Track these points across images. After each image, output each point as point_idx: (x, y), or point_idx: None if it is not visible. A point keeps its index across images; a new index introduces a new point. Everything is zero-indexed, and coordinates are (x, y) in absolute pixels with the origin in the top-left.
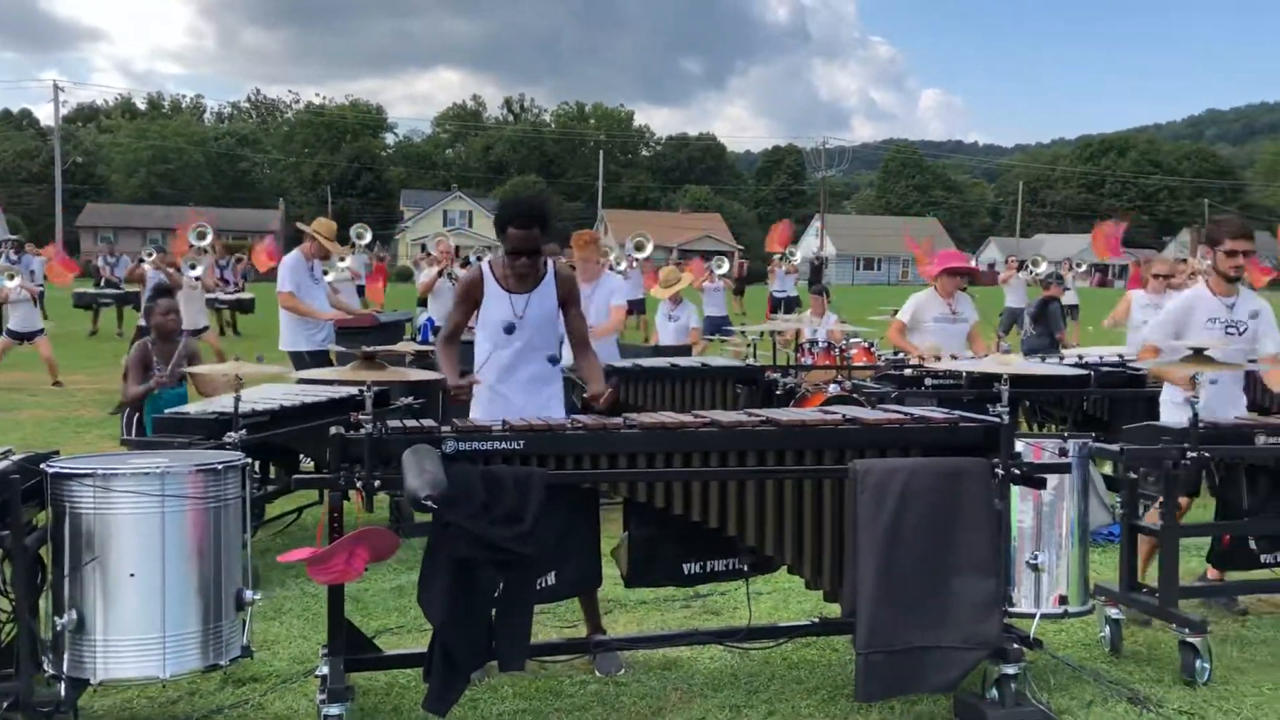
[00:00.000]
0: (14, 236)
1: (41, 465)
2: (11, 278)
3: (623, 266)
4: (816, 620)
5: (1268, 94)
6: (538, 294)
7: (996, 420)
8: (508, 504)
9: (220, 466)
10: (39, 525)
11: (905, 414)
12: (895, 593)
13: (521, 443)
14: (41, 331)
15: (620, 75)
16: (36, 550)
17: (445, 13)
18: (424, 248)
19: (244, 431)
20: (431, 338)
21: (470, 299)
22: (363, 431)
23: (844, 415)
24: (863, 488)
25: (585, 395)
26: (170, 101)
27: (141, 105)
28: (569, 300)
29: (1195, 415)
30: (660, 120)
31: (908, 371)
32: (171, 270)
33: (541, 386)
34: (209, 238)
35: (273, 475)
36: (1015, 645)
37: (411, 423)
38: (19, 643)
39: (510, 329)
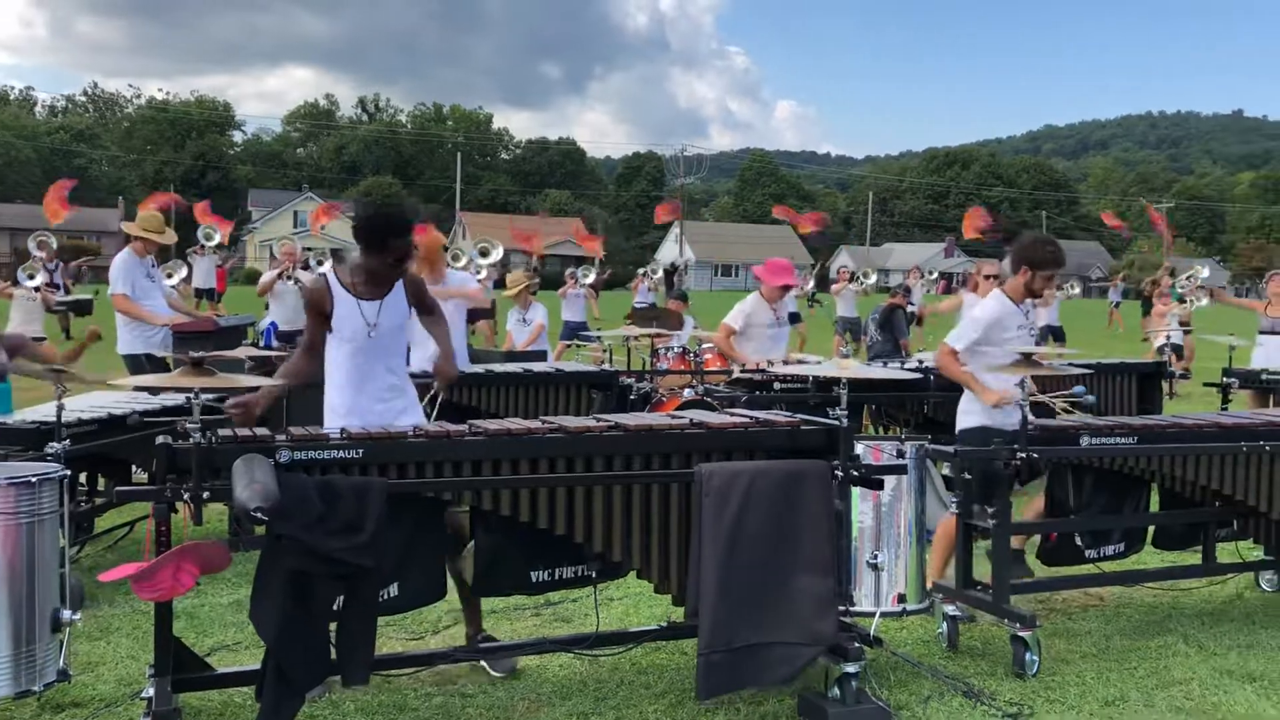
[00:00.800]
0: None
1: None
2: None
3: (482, 275)
4: (665, 624)
5: (1100, 111)
6: (390, 300)
7: (836, 423)
8: (346, 514)
9: (35, 479)
10: None
11: (750, 418)
12: (736, 593)
13: (360, 451)
14: None
15: (479, 77)
16: None
17: (297, 8)
18: (271, 251)
19: (68, 441)
20: (275, 342)
21: (319, 309)
22: (191, 441)
23: (690, 420)
24: (707, 491)
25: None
26: None
27: None
28: (420, 301)
29: (1025, 418)
30: (520, 123)
31: (758, 376)
32: None
33: (398, 395)
34: (54, 245)
35: (102, 487)
36: (855, 644)
37: (244, 431)
38: None
39: (364, 337)
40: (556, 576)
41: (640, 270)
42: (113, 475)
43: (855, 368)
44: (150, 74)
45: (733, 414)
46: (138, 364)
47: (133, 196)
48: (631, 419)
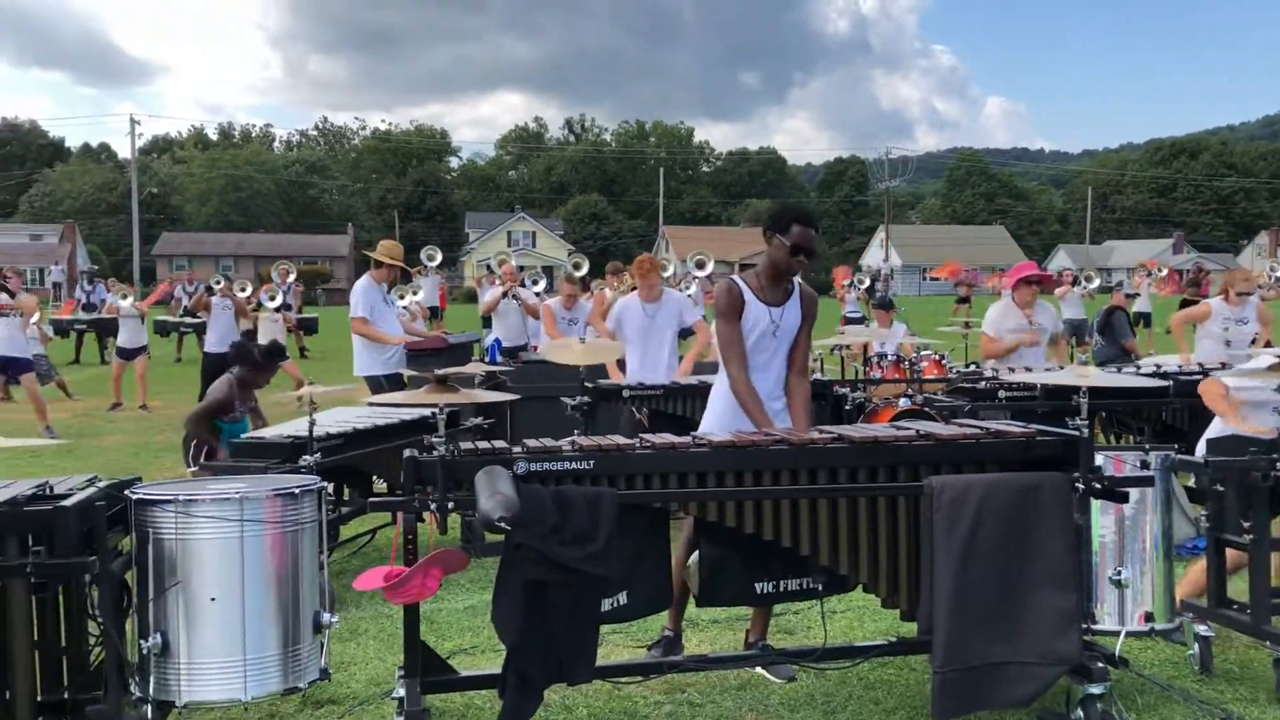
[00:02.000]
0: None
1: (125, 492)
2: (125, 297)
3: (692, 290)
4: (893, 639)
5: None
6: (790, 306)
7: (1075, 433)
8: (579, 524)
9: (297, 491)
10: (124, 551)
11: (980, 428)
12: (971, 609)
13: (591, 463)
14: (145, 350)
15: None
16: (122, 575)
17: (506, 36)
18: (488, 268)
19: (319, 455)
20: (499, 358)
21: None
22: (435, 454)
23: (918, 430)
24: (938, 504)
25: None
26: (240, 131)
27: (213, 136)
28: (809, 318)
29: None
30: (720, 135)
31: (981, 384)
32: (240, 298)
33: (779, 396)
34: (292, 276)
35: (347, 497)
36: (1099, 664)
37: (483, 444)
38: (107, 665)
39: (768, 340)
40: (781, 588)
41: (845, 283)
42: (356, 486)
43: (1096, 375)
44: (374, 106)
45: (962, 424)
46: (376, 384)
47: (360, 223)
48: (855, 430)
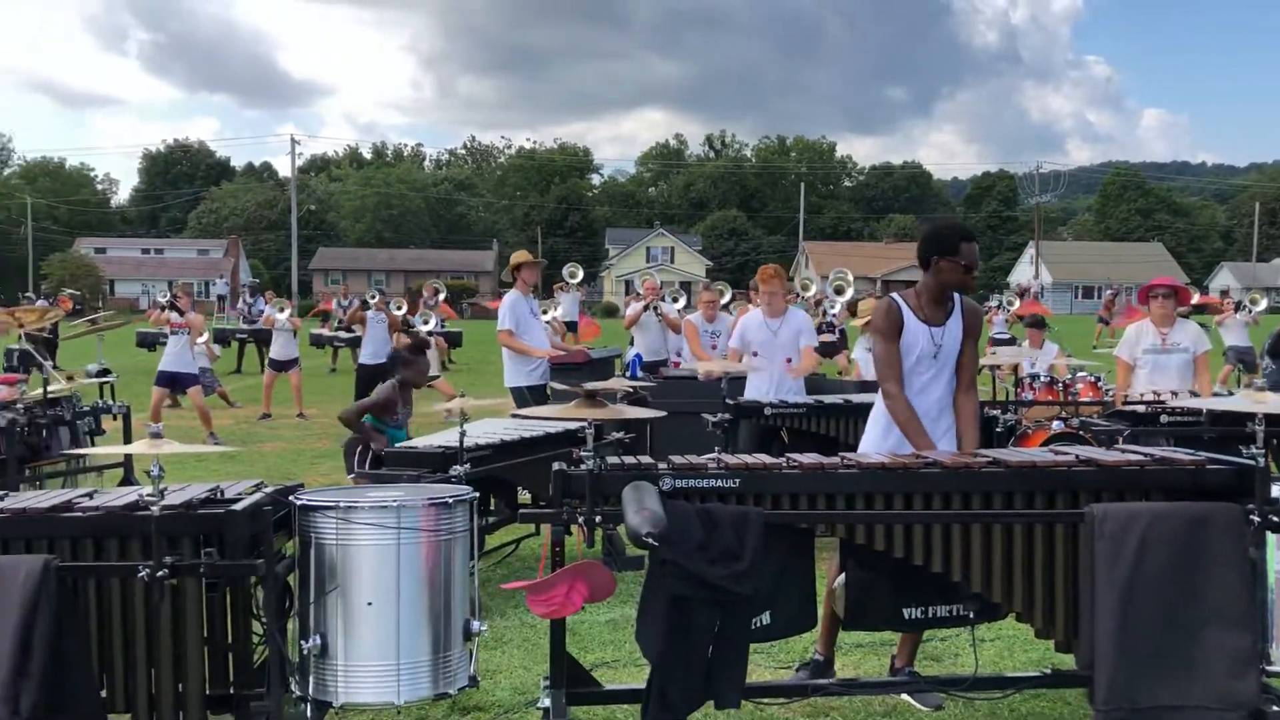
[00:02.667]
0: (255, 280)
1: (290, 497)
2: (282, 309)
3: (836, 310)
4: (1048, 671)
5: None
6: (951, 325)
7: (1250, 462)
8: (725, 542)
9: (451, 500)
10: (287, 554)
11: (1145, 455)
12: (1137, 646)
13: (737, 481)
14: (297, 363)
15: (822, 107)
16: (285, 577)
17: (649, 55)
18: (628, 285)
19: (468, 465)
20: (640, 373)
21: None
22: (584, 467)
23: (1077, 456)
24: (1100, 534)
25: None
26: (393, 150)
27: (368, 155)
28: (972, 332)
29: None
30: (863, 150)
31: (1142, 409)
32: (395, 315)
33: (942, 417)
34: (442, 295)
35: (492, 507)
36: (1277, 708)
37: (630, 459)
38: (270, 664)
39: (928, 360)
40: (931, 615)
41: (993, 304)
42: (502, 496)
43: (1274, 400)
44: (519, 125)
45: (1124, 450)
46: (521, 395)
47: (504, 239)
48: (1011, 454)
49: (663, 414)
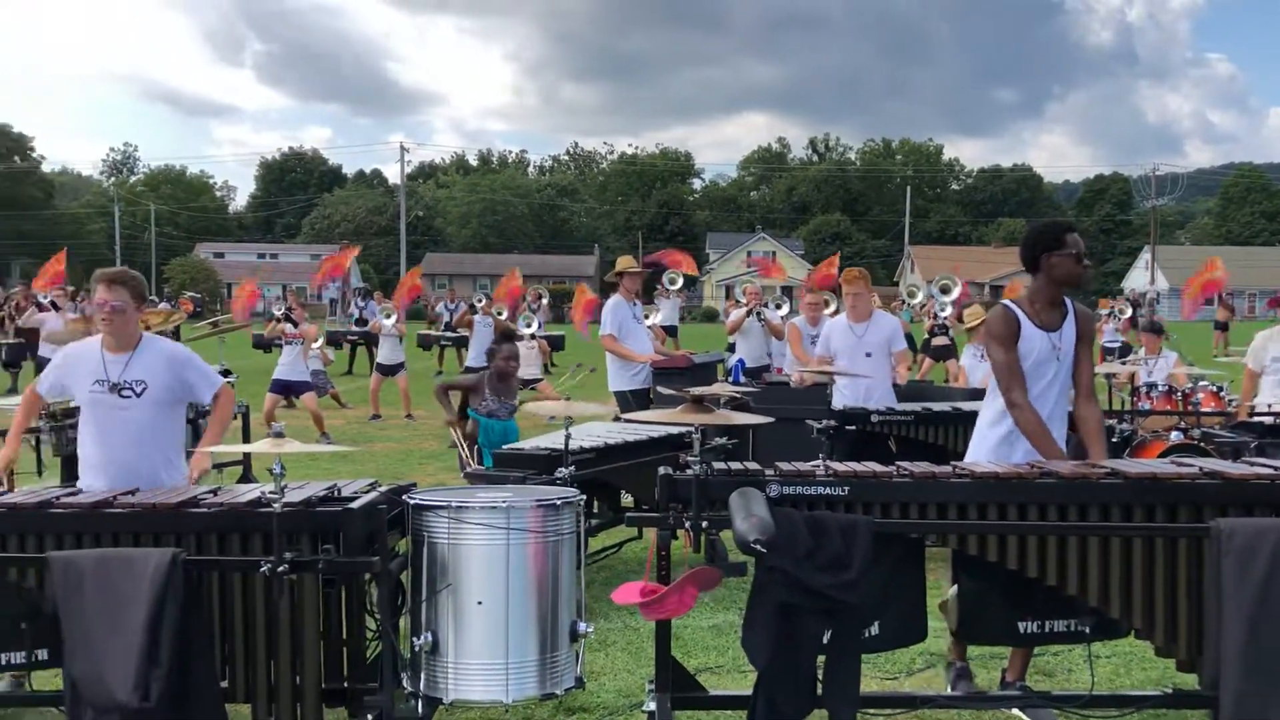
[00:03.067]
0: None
1: (403, 497)
2: (389, 316)
3: (947, 313)
4: (1169, 691)
5: None
6: (1066, 328)
7: None
8: (833, 551)
9: (559, 503)
10: (400, 552)
11: (1275, 468)
12: (1266, 667)
13: (846, 489)
14: (403, 366)
15: (928, 109)
16: (398, 575)
17: (751, 59)
18: (728, 291)
19: (573, 467)
20: (742, 378)
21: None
22: (690, 472)
23: (1201, 468)
24: (1227, 549)
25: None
26: (498, 157)
27: (474, 162)
28: (1085, 337)
29: None
30: (971, 152)
31: (1269, 420)
32: (500, 320)
33: (1054, 424)
34: (545, 299)
35: (595, 510)
36: None
37: (736, 465)
38: (383, 659)
39: (1048, 365)
40: (1046, 629)
41: (1104, 311)
42: (605, 499)
43: None
44: (621, 131)
45: (1251, 463)
46: (624, 399)
47: (606, 244)
48: (1130, 465)
49: (770, 420)
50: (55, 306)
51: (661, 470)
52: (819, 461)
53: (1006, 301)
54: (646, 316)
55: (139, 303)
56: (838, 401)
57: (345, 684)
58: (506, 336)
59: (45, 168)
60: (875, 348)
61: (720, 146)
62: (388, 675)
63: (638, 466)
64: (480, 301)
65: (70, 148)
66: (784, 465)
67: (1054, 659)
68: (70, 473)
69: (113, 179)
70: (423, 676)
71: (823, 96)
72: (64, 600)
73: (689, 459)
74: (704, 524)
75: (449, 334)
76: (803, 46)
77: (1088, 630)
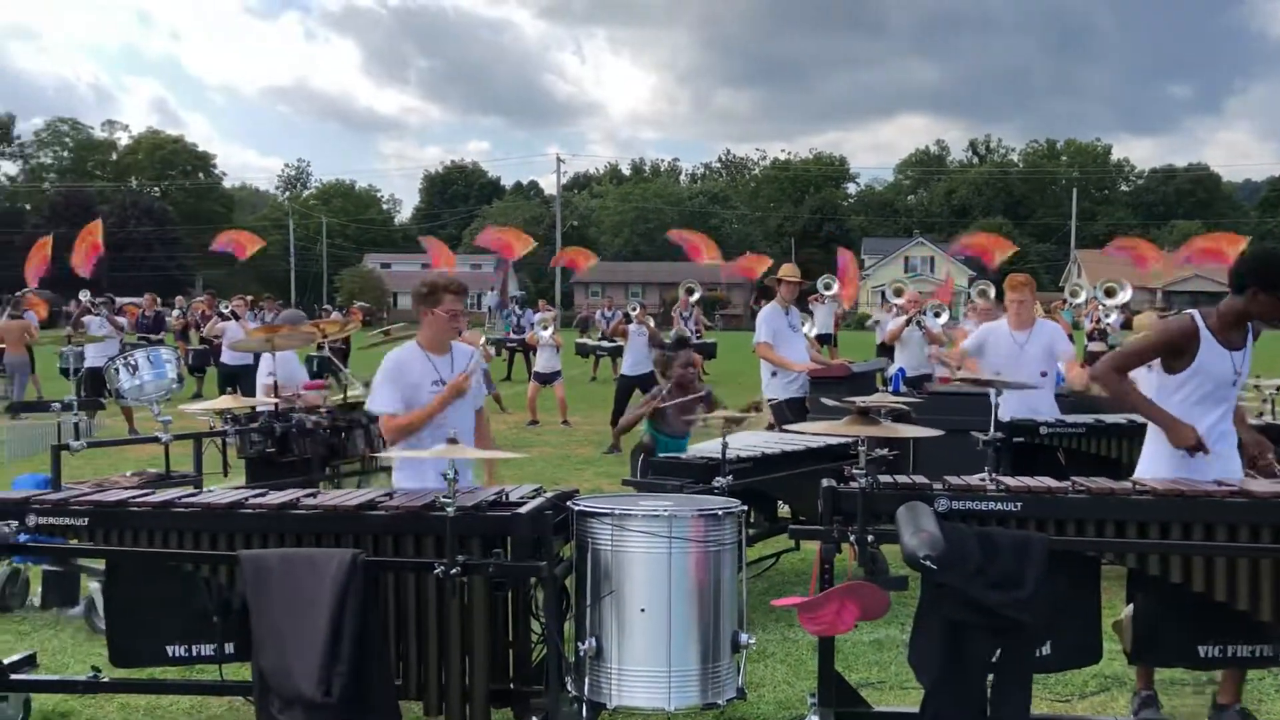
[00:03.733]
0: (522, 293)
1: (567, 503)
2: (546, 328)
3: (1111, 318)
4: None
5: None
6: (1247, 350)
7: None
8: (1005, 568)
9: (720, 512)
10: (564, 557)
11: None
12: None
13: (1019, 504)
14: (559, 375)
15: (1095, 107)
16: (563, 580)
17: (909, 60)
18: (883, 296)
19: (730, 477)
20: (902, 387)
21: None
22: (855, 485)
23: None
24: None
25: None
26: (650, 166)
27: (626, 171)
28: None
29: None
30: (1142, 152)
31: None
32: (652, 328)
33: (1230, 444)
34: (695, 295)
35: (751, 520)
36: None
37: (903, 478)
38: (549, 663)
39: (1226, 388)
40: (1230, 654)
41: None
42: (761, 509)
43: None
44: (773, 137)
45: None
46: (779, 408)
47: (757, 250)
48: None
49: (939, 432)
50: (235, 316)
51: (825, 482)
52: (988, 475)
53: (1194, 313)
54: (804, 324)
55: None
56: (1003, 412)
57: (510, 685)
58: (681, 343)
59: (226, 184)
60: (1038, 356)
61: (876, 150)
62: (554, 679)
63: (795, 477)
64: (635, 310)
65: (247, 164)
66: (953, 479)
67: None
68: (255, 474)
69: (287, 193)
70: (587, 681)
71: (983, 97)
72: (253, 596)
73: (854, 471)
74: (869, 538)
75: (605, 343)
76: (962, 46)
77: (1277, 656)
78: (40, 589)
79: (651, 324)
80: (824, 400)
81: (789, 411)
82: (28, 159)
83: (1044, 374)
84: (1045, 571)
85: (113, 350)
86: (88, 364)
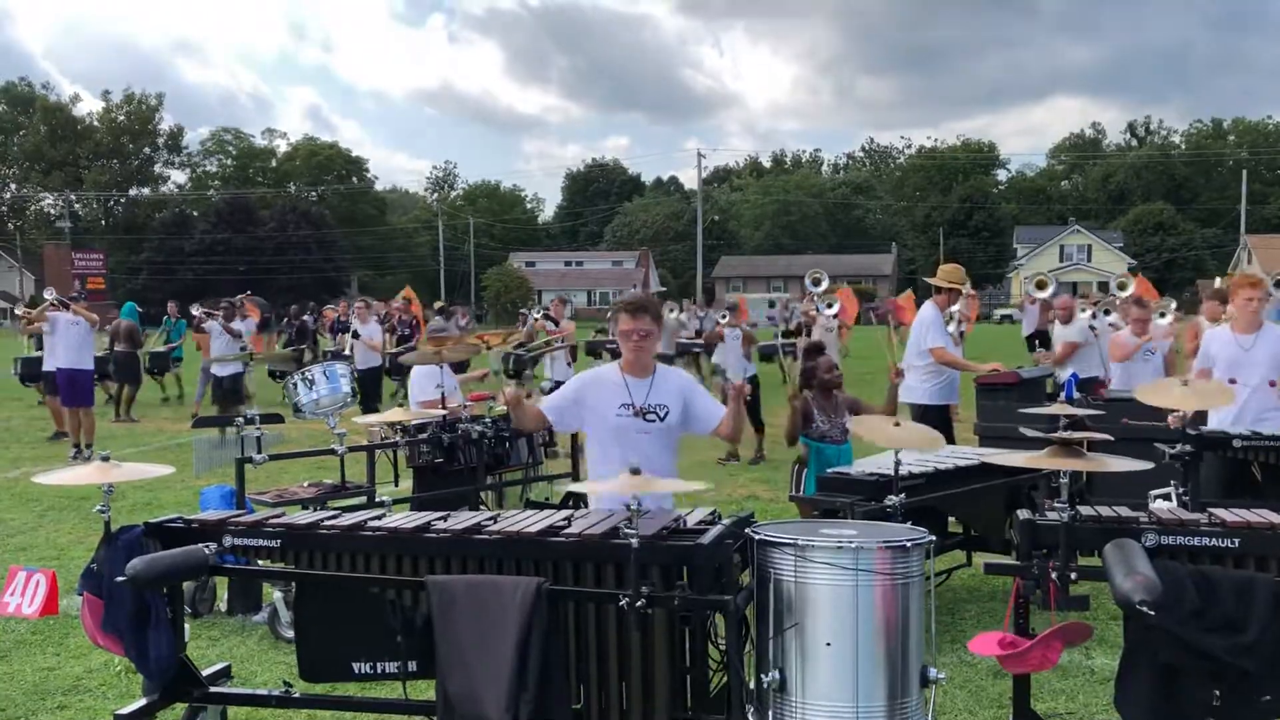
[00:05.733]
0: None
1: (746, 530)
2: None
3: None
4: None
5: None
6: None
7: None
8: (1225, 610)
9: (908, 545)
10: (743, 586)
11: None
12: None
13: (1237, 541)
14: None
15: (1267, 83)
16: (744, 610)
17: (1059, 39)
18: (1039, 286)
19: (903, 495)
20: (1076, 394)
21: None
22: (1055, 518)
23: None
24: None
25: None
26: (791, 157)
27: (767, 163)
28: None
29: None
30: None
31: None
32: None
33: None
34: (823, 284)
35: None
36: None
37: (1106, 510)
38: (731, 693)
39: None
40: None
41: None
42: (929, 523)
43: None
44: (919, 124)
45: None
46: (921, 412)
47: (903, 241)
48: None
49: (1147, 465)
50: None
51: (1022, 515)
52: (1175, 492)
53: None
54: (949, 320)
55: (661, 329)
56: (1215, 424)
57: (689, 713)
58: (817, 350)
59: (378, 187)
60: (1264, 362)
61: (1027, 135)
62: (736, 709)
63: (968, 493)
64: (723, 317)
65: (398, 166)
66: (1162, 512)
67: None
68: (423, 483)
69: (435, 195)
70: (770, 714)
71: (1141, 76)
72: (439, 621)
73: (1056, 504)
74: (1072, 575)
75: (698, 341)
76: (1119, 23)
77: None
78: (226, 595)
79: (747, 328)
80: (1025, 431)
81: (933, 419)
82: (194, 168)
83: (1273, 383)
84: (1272, 615)
85: (231, 357)
86: (214, 373)
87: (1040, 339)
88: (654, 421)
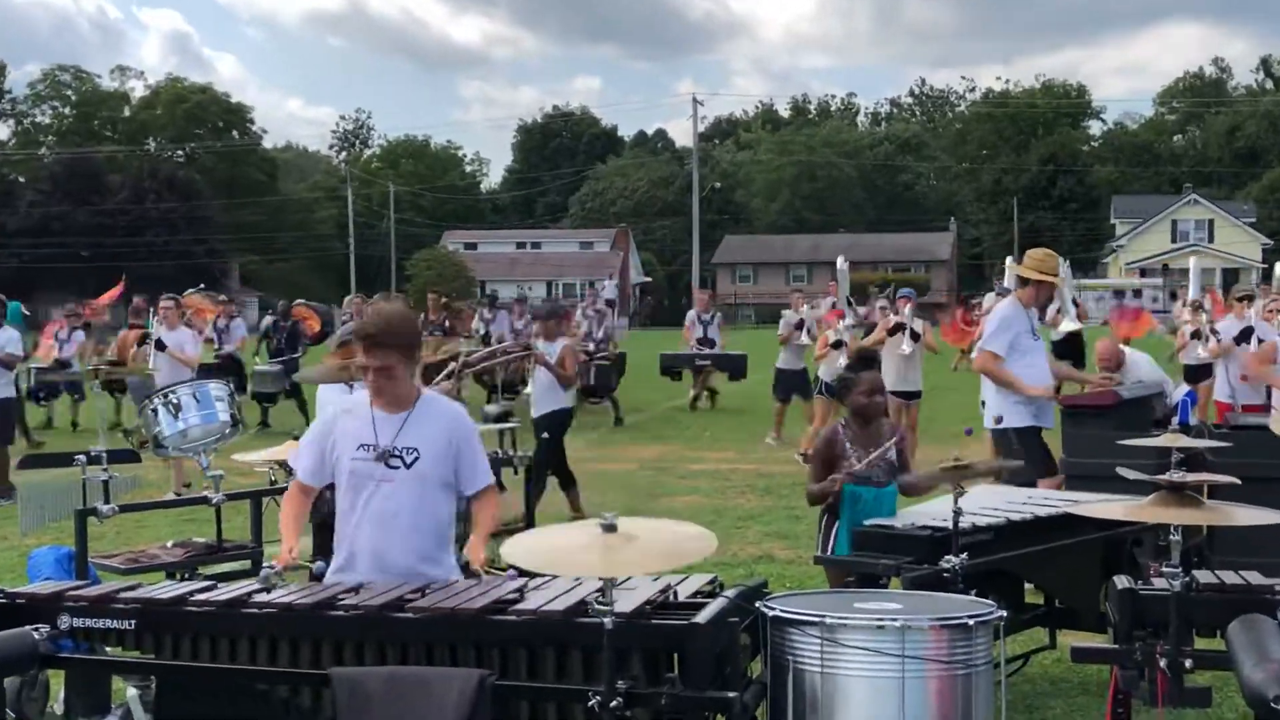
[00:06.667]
0: (646, 278)
1: (756, 603)
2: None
3: None
4: None
5: None
6: None
7: None
8: None
9: (971, 622)
10: (754, 678)
11: None
12: None
13: None
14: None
15: None
16: (753, 710)
17: None
18: (1142, 275)
19: (964, 555)
20: (1189, 419)
21: None
22: (1164, 586)
23: None
24: None
25: None
26: (817, 104)
27: (785, 112)
28: None
29: None
30: None
31: None
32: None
33: None
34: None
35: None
36: None
37: (1231, 576)
38: None
39: None
40: None
41: None
42: (999, 591)
43: None
44: (986, 59)
45: None
46: (1005, 440)
47: (965, 216)
48: None
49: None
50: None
51: (1120, 583)
52: None
53: None
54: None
55: (409, 357)
56: None
57: None
58: (865, 361)
59: (266, 143)
60: None
61: (1128, 73)
62: None
63: (1050, 553)
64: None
65: (292, 116)
66: None
67: None
68: (326, 543)
69: (343, 154)
70: None
71: None
72: None
73: (1165, 569)
74: (1186, 662)
75: (706, 352)
76: None
77: None
78: (63, 694)
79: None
80: (1123, 471)
81: (1017, 442)
82: (20, 118)
83: None
84: None
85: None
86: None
87: None
88: (396, 469)
